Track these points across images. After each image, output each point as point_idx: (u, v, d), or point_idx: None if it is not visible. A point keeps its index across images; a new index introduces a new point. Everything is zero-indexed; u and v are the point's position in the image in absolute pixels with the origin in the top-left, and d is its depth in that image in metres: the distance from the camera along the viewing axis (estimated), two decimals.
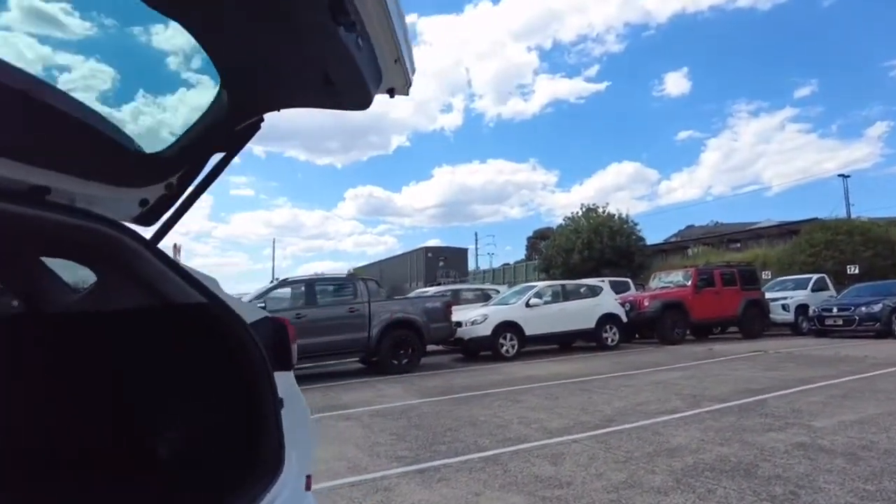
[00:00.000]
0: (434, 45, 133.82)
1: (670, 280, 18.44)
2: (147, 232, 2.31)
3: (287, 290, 11.87)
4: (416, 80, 2.23)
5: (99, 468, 2.19)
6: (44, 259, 2.50)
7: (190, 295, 2.20)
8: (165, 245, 2.36)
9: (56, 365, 2.30)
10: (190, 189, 2.31)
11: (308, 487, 2.20)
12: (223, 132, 2.20)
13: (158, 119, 2.25)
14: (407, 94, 2.24)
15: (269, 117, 2.27)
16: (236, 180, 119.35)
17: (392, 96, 2.23)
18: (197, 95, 2.19)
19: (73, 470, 2.20)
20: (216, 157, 2.31)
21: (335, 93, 2.04)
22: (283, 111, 2.27)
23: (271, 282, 12.27)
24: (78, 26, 1.91)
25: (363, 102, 2.11)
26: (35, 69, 1.83)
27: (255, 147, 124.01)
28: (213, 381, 2.25)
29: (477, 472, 4.76)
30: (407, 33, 2.00)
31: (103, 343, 2.38)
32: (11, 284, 2.46)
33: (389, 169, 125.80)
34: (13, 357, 2.20)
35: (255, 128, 2.27)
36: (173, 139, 2.20)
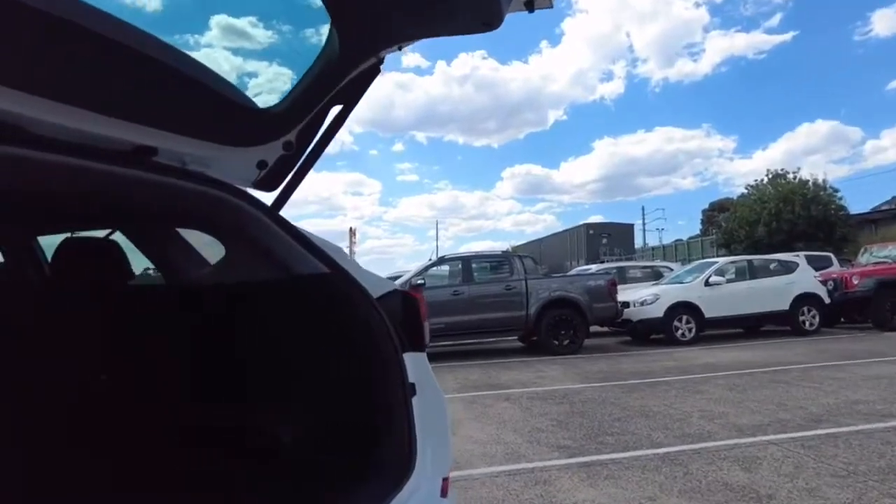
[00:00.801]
0: (590, 12, 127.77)
1: (886, 254, 15.41)
2: (268, 198, 2.12)
3: (445, 268, 11.92)
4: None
5: (218, 448, 2.06)
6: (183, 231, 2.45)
7: (313, 265, 1.95)
8: (293, 216, 2.14)
9: (177, 340, 2.22)
10: (310, 148, 2.06)
11: (445, 493, 1.85)
12: (338, 79, 1.90)
13: (269, 70, 2.02)
14: (551, 5, 1.76)
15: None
16: (402, 167, 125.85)
17: (531, 10, 1.77)
18: (307, 40, 1.92)
19: (194, 447, 2.09)
20: (334, 112, 2.04)
21: (457, 10, 1.64)
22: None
23: (429, 259, 12.42)
24: None
25: (492, 18, 1.68)
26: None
27: (417, 134, 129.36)
28: (335, 360, 1.99)
29: (651, 471, 4.14)
30: None
31: (223, 318, 2.25)
32: (149, 253, 2.44)
33: (547, 145, 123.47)
34: (140, 330, 2.14)
35: (373, 73, 1.94)
36: (287, 91, 1.95)
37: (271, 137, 1.98)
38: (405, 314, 1.98)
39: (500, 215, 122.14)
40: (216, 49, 1.92)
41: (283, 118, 1.96)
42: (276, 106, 1.96)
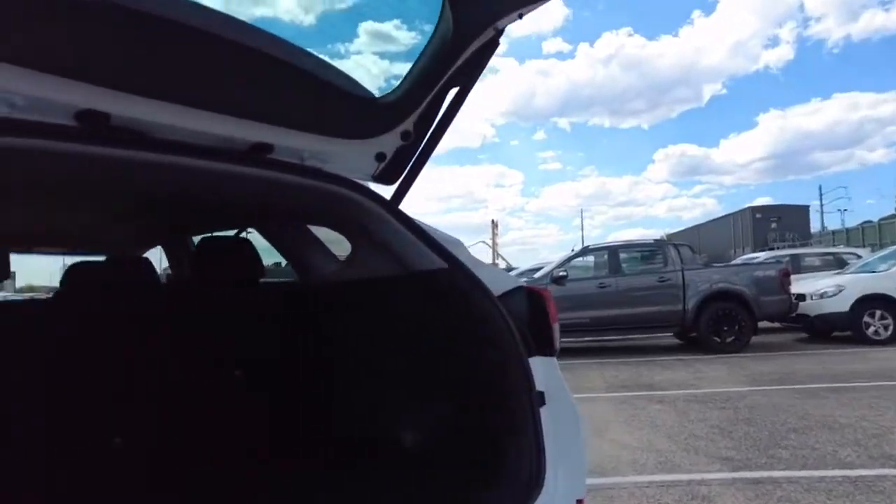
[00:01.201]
0: None
1: None
2: (387, 191, 2.04)
3: (590, 259, 11.39)
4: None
5: (338, 451, 2.02)
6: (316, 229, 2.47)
7: (431, 260, 1.83)
8: (414, 210, 2.05)
9: (302, 338, 2.23)
10: (428, 135, 1.94)
11: None
12: (454, 58, 1.76)
13: (383, 56, 1.94)
14: None
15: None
16: (544, 155, 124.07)
17: None
18: (419, 21, 1.80)
19: (315, 450, 2.08)
20: (452, 94, 1.89)
21: None
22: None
23: (571, 250, 11.94)
24: None
25: None
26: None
27: (559, 120, 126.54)
28: (454, 362, 1.86)
29: (840, 497, 3.51)
30: None
31: (344, 317, 2.23)
32: (282, 250, 2.50)
33: (703, 123, 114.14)
34: (271, 328, 2.18)
35: (492, 47, 1.77)
36: (402, 77, 1.85)
37: (389, 127, 1.90)
38: (531, 313, 1.79)
39: (653, 201, 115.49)
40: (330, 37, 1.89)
41: (399, 106, 1.87)
42: (391, 94, 1.87)
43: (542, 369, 1.72)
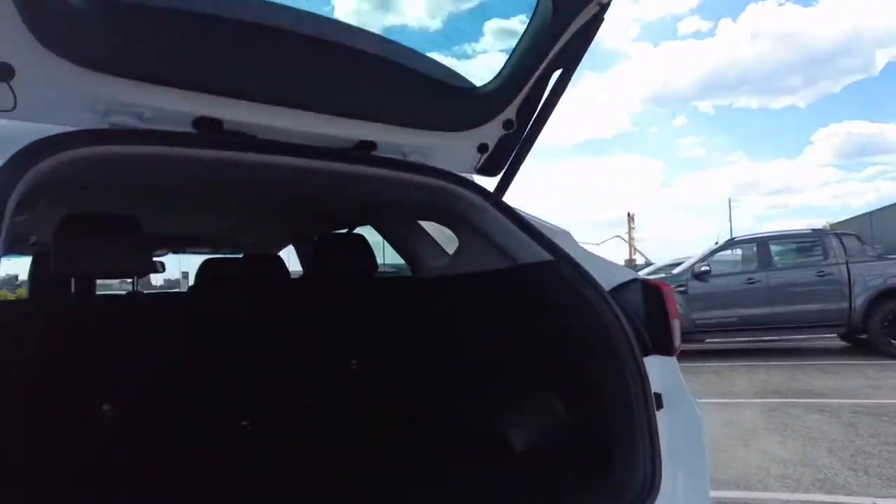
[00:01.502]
0: None
1: None
2: (491, 182, 1.99)
3: (737, 252, 10.42)
4: None
5: (448, 447, 2.00)
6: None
7: (536, 252, 1.76)
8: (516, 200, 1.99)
9: (414, 332, 2.24)
10: (531, 123, 1.87)
11: None
12: (554, 39, 1.67)
13: (481, 44, 1.89)
14: None
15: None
16: (684, 142, 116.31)
17: None
18: (515, 5, 1.73)
19: (427, 444, 2.08)
20: (555, 78, 1.80)
21: None
22: None
23: (715, 243, 10.99)
24: None
25: None
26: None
27: (699, 104, 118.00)
28: (563, 359, 1.76)
29: None
30: None
31: (451, 312, 2.21)
32: (395, 245, 2.54)
33: (875, 95, 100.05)
34: (385, 321, 2.22)
35: (595, 25, 1.64)
36: (502, 63, 1.79)
37: (489, 117, 1.85)
38: (648, 309, 1.65)
39: (812, 187, 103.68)
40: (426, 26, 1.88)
41: (499, 94, 1.82)
42: (490, 82, 1.82)
43: (660, 370, 1.58)
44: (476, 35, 1.90)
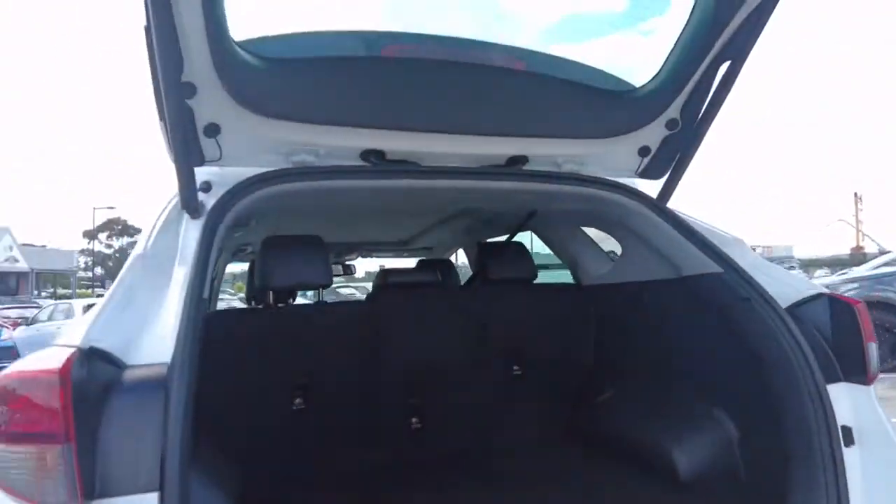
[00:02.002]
0: None
1: None
2: (656, 186, 1.89)
3: None
4: None
5: (611, 460, 1.95)
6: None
7: (703, 263, 1.65)
8: (682, 200, 1.86)
9: (576, 338, 2.22)
10: (697, 121, 1.73)
11: None
12: (719, 29, 1.53)
13: (643, 41, 1.79)
14: None
15: None
16: None
17: None
18: None
19: (595, 456, 2.04)
20: (722, 71, 1.64)
21: None
22: None
23: None
24: None
25: None
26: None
27: None
28: (733, 381, 1.62)
29: None
30: None
31: (608, 320, 2.14)
32: (559, 254, 2.53)
33: None
34: (545, 326, 2.23)
35: (766, 10, 1.46)
36: (663, 59, 1.68)
37: (650, 118, 1.75)
38: (837, 329, 1.44)
39: None
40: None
41: (660, 93, 1.71)
42: (651, 81, 1.73)
43: (851, 399, 1.38)
44: (632, 31, 1.82)
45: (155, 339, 1.04)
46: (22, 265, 37.80)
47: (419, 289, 2.29)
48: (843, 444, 1.34)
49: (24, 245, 41.03)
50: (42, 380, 0.88)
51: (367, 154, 1.61)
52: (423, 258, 3.59)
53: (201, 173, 1.46)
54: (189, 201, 1.37)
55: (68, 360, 0.89)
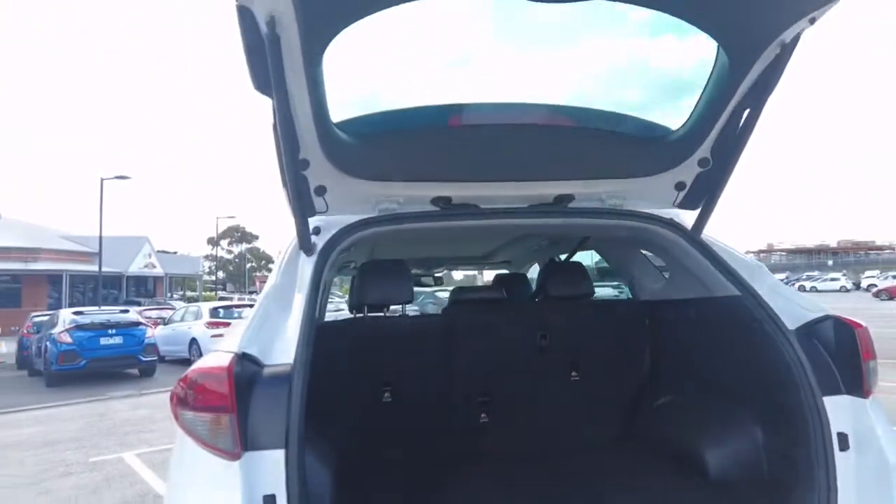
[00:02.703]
0: None
1: None
2: (692, 216, 2.14)
3: None
4: None
5: (650, 459, 2.21)
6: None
7: (725, 286, 1.91)
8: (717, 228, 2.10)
9: (625, 349, 2.51)
10: (726, 159, 1.97)
11: None
12: (736, 84, 1.76)
13: (672, 93, 2.05)
14: None
15: None
16: None
17: None
18: (700, 58, 1.87)
19: (633, 455, 2.30)
20: (744, 115, 1.87)
21: None
22: None
23: None
24: None
25: None
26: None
27: None
28: (745, 392, 1.86)
29: None
30: None
31: (652, 333, 2.40)
32: (619, 271, 2.82)
33: None
34: (600, 337, 2.54)
35: (780, 63, 1.68)
36: (692, 106, 1.94)
37: (684, 158, 2.01)
38: (837, 347, 1.65)
39: None
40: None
41: (691, 136, 1.96)
42: (682, 126, 1.98)
43: (850, 411, 1.58)
44: (642, 83, 2.11)
45: (282, 346, 1.50)
46: (158, 270, 42.12)
47: (485, 303, 2.67)
48: (837, 449, 1.55)
49: (160, 252, 45.65)
50: (216, 374, 1.36)
51: (436, 200, 2.01)
52: (501, 272, 4.00)
53: (313, 221, 1.93)
54: (304, 243, 1.84)
55: (231, 361, 1.36)
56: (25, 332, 15.46)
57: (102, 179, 26.84)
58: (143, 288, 41.78)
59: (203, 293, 48.46)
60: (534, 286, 3.07)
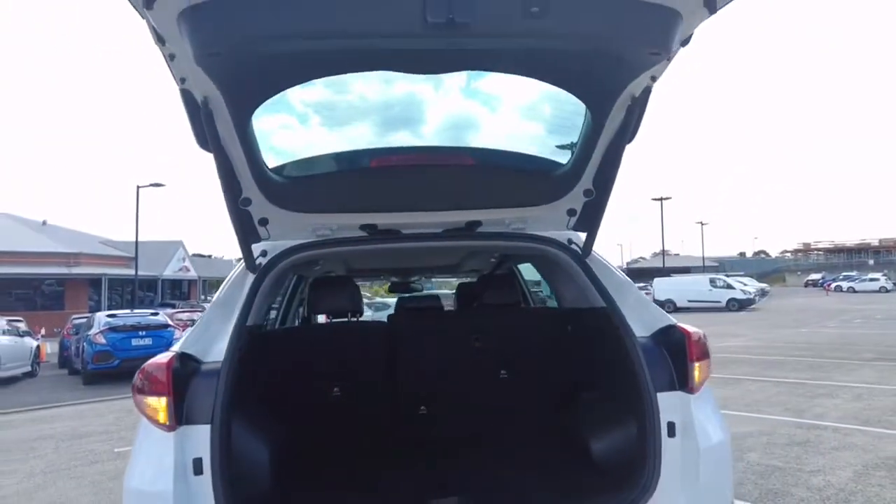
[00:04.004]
0: None
1: None
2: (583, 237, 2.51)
3: None
4: None
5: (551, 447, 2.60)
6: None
7: (598, 299, 2.27)
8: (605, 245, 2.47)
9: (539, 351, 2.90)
10: (605, 188, 2.32)
11: None
12: (599, 129, 2.11)
13: (560, 134, 2.42)
14: None
15: None
16: None
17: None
18: (573, 111, 2.21)
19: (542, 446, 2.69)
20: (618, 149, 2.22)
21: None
22: None
23: None
24: None
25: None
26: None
27: None
28: (606, 386, 2.23)
29: None
30: None
31: (553, 337, 2.78)
32: (550, 285, 3.21)
33: None
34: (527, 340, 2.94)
35: (641, 103, 1.99)
36: (572, 148, 2.30)
37: (571, 188, 2.37)
38: (674, 351, 2.00)
39: None
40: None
41: (575, 171, 2.33)
42: (567, 163, 2.36)
43: (679, 404, 1.94)
44: (533, 127, 2.42)
45: (217, 348, 1.94)
46: (192, 274, 43.57)
47: (426, 310, 3.10)
48: (666, 435, 1.91)
49: (194, 255, 47.06)
50: (159, 368, 1.80)
51: (364, 227, 2.43)
52: (461, 281, 4.43)
53: (261, 245, 2.37)
54: (249, 264, 2.28)
55: (171, 359, 1.81)
56: (66, 333, 16.53)
57: (139, 187, 28.17)
58: (177, 290, 43.25)
59: None
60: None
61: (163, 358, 1.83)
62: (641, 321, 2.10)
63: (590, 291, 2.33)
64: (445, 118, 2.40)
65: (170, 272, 39.95)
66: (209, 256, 56.14)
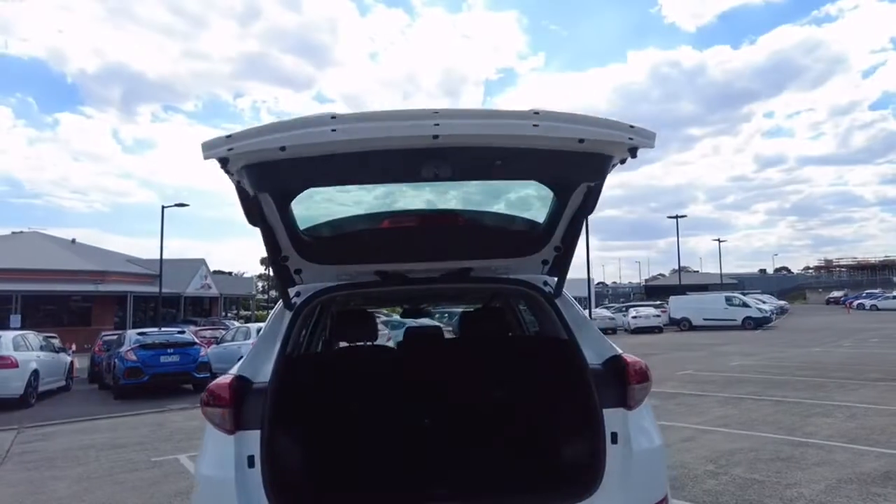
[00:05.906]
0: None
1: None
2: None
3: None
4: None
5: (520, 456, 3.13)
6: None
7: (562, 332, 2.81)
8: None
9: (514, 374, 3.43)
10: (570, 246, 2.88)
11: None
12: (563, 206, 2.67)
13: (538, 205, 2.97)
14: (652, 145, 2.05)
15: None
16: None
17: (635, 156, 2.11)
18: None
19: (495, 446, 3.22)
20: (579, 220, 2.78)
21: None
22: None
23: None
24: None
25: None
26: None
27: None
28: (562, 406, 2.78)
29: None
30: None
31: (532, 362, 3.32)
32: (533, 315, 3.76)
33: None
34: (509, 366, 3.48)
35: (591, 197, 2.50)
36: (545, 215, 2.87)
37: (544, 245, 2.95)
38: (617, 374, 2.52)
39: None
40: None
41: (547, 232, 2.90)
42: (541, 224, 2.92)
43: (620, 417, 2.45)
44: (510, 195, 2.99)
45: (265, 371, 2.50)
46: (213, 291, 44.55)
47: (429, 339, 3.67)
48: (610, 442, 2.43)
49: (215, 272, 48.08)
50: (223, 387, 2.38)
51: (377, 273, 3.01)
52: (463, 310, 5.01)
53: (296, 288, 2.96)
54: (286, 303, 2.85)
55: (232, 380, 2.38)
56: (97, 349, 17.31)
57: (163, 207, 29.32)
58: (199, 307, 44.22)
59: (256, 312, 50.71)
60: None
61: (225, 379, 2.41)
62: (595, 351, 2.62)
63: (557, 325, 2.87)
64: (442, 193, 2.99)
65: (192, 289, 40.92)
66: (230, 274, 57.30)
